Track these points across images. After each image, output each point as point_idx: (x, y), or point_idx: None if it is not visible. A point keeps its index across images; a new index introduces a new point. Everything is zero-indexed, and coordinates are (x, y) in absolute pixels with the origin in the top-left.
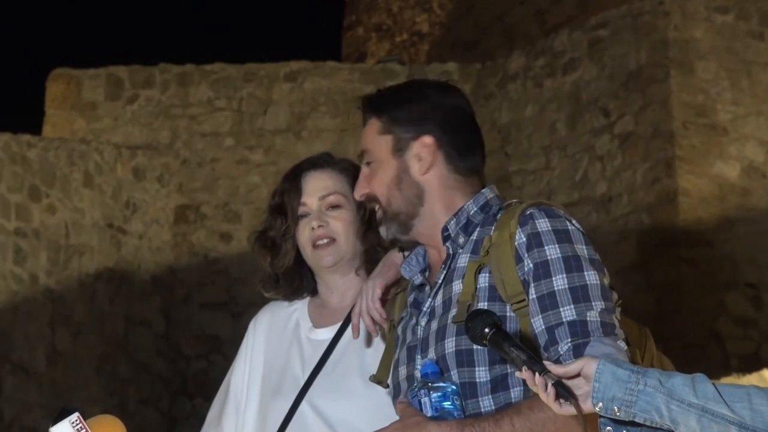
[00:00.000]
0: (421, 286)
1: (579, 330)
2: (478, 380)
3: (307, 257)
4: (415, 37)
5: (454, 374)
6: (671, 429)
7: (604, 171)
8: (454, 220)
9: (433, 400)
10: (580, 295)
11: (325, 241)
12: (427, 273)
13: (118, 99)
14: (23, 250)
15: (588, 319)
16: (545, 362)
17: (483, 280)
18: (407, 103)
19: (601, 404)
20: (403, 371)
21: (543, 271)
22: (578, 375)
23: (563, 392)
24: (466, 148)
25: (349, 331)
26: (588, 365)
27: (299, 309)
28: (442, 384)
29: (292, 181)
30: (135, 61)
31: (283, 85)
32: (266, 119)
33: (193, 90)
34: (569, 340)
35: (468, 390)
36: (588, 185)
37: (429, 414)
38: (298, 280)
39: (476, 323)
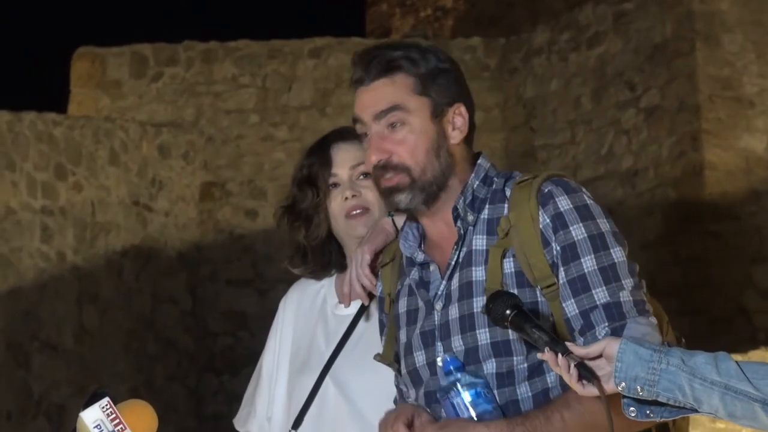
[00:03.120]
0: (424, 263)
1: (615, 312)
2: (516, 368)
3: (340, 228)
4: (439, 12)
5: (490, 364)
6: (694, 408)
7: (630, 145)
8: (462, 197)
9: (466, 399)
10: (610, 274)
11: (359, 211)
12: (422, 247)
13: (143, 77)
14: (50, 228)
15: (621, 299)
16: (567, 343)
17: (508, 265)
18: (436, 65)
19: (623, 384)
20: (420, 357)
21: (571, 253)
22: (600, 356)
23: (586, 373)
24: (473, 124)
25: (372, 306)
26: (610, 345)
27: (327, 286)
28: (471, 380)
29: (321, 152)
30: (159, 38)
31: (307, 61)
32: (291, 96)
33: (218, 67)
34: (606, 324)
35: (506, 379)
36: (613, 159)
37: (466, 415)
38: (327, 255)
39: (497, 305)
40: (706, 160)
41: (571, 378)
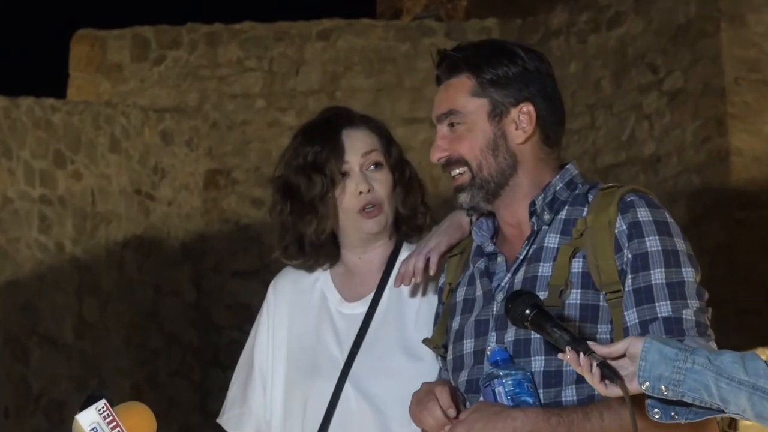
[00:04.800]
0: (492, 254)
1: (674, 327)
2: (564, 369)
3: (348, 221)
4: None
5: (539, 361)
6: (721, 408)
7: (652, 130)
8: (542, 195)
9: (507, 388)
10: (677, 291)
11: (374, 208)
12: (494, 240)
13: (145, 60)
14: (48, 218)
15: (684, 316)
16: (589, 342)
17: (577, 264)
18: (505, 66)
19: (647, 383)
20: (468, 344)
21: (642, 263)
22: (623, 355)
23: (608, 372)
24: (557, 119)
25: (383, 304)
26: (634, 344)
27: (321, 279)
28: (515, 371)
29: (329, 138)
30: (161, 20)
31: (315, 44)
32: (298, 80)
33: (222, 50)
34: (664, 336)
35: (553, 378)
36: (635, 145)
37: (504, 403)
38: (327, 247)
39: (517, 304)
40: (731, 146)
41: (593, 378)
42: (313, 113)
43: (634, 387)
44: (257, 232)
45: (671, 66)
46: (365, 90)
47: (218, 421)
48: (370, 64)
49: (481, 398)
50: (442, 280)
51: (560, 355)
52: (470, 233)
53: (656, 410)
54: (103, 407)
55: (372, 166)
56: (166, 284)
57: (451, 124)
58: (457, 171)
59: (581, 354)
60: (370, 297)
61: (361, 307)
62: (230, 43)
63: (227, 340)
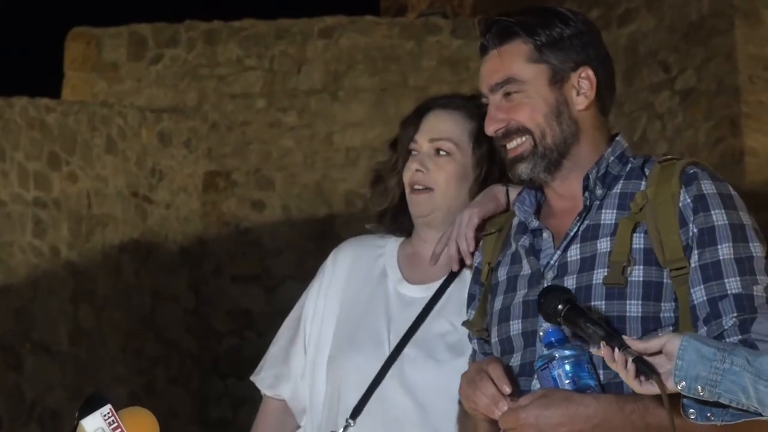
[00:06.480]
0: (537, 230)
1: (746, 304)
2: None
3: (407, 197)
4: None
5: None
6: (758, 411)
7: (664, 130)
8: (596, 168)
9: (567, 371)
10: (746, 267)
11: (420, 188)
12: (538, 216)
13: (142, 59)
14: (43, 222)
15: (755, 293)
16: (624, 337)
17: (638, 240)
18: (559, 28)
19: (683, 383)
20: (516, 325)
21: (708, 237)
22: (660, 352)
23: (644, 368)
24: (611, 85)
25: (445, 295)
26: (671, 342)
27: (387, 254)
28: (573, 352)
29: (416, 115)
30: (159, 18)
31: (317, 42)
32: (300, 79)
33: (221, 48)
34: (735, 314)
35: None
36: (647, 145)
37: (565, 387)
38: (401, 219)
39: (549, 299)
40: (746, 146)
41: (628, 374)
42: (314, 113)
43: (669, 386)
44: (258, 235)
45: (684, 64)
46: (369, 89)
47: (252, 378)
48: (373, 63)
49: (536, 382)
50: (478, 259)
51: (594, 351)
52: (507, 208)
53: (692, 410)
54: (108, 413)
55: (442, 152)
56: (164, 289)
57: (508, 93)
58: (516, 141)
59: (616, 349)
60: (432, 284)
61: (422, 292)
62: (230, 41)
63: (227, 346)
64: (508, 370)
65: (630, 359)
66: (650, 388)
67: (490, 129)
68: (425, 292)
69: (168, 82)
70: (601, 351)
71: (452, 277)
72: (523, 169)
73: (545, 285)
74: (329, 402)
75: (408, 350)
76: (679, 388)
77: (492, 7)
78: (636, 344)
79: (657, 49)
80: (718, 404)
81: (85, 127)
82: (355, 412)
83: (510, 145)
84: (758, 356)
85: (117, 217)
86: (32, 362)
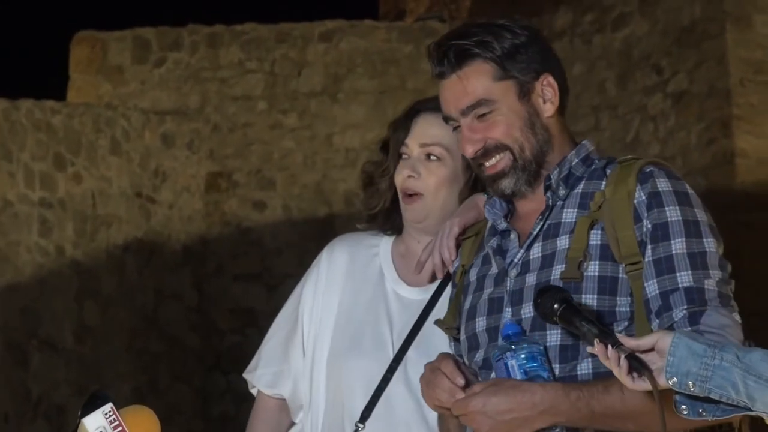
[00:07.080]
0: (505, 232)
1: (696, 297)
2: (581, 342)
3: (400, 201)
4: None
5: (555, 335)
6: (748, 406)
7: (657, 132)
8: (557, 170)
9: (520, 362)
10: (698, 261)
11: (412, 194)
12: (508, 218)
13: (146, 62)
14: (48, 221)
15: (705, 287)
16: (618, 335)
17: (595, 237)
18: (512, 41)
19: (675, 379)
20: (481, 322)
21: (662, 233)
22: (652, 349)
23: (636, 365)
24: (566, 87)
25: (442, 296)
26: (662, 339)
27: (381, 253)
28: (527, 344)
29: (406, 118)
30: (162, 22)
31: (317, 45)
32: (300, 81)
33: (224, 52)
34: (685, 307)
35: (569, 352)
36: (640, 147)
37: (517, 377)
38: (393, 220)
39: (546, 299)
40: (737, 148)
41: (621, 371)
42: (314, 116)
43: (661, 382)
44: (259, 235)
45: (676, 67)
46: (368, 92)
47: (246, 376)
48: (372, 66)
49: (493, 374)
50: (456, 263)
51: (588, 349)
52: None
53: (684, 406)
54: (110, 411)
55: (433, 157)
56: (167, 288)
57: (482, 115)
58: (495, 158)
59: (609, 346)
60: (429, 287)
61: (420, 294)
62: (231, 44)
63: (229, 344)
64: (460, 364)
65: (623, 356)
66: (642, 385)
67: (469, 151)
68: (423, 294)
69: (171, 85)
70: (595, 348)
71: (448, 279)
72: (507, 184)
73: (508, 282)
74: (332, 404)
75: (411, 353)
76: (670, 383)
77: (488, 10)
78: (629, 341)
79: (650, 53)
80: (709, 400)
81: (90, 128)
82: (364, 416)
83: (489, 163)
84: (748, 352)
85: (121, 217)
86: (38, 359)
